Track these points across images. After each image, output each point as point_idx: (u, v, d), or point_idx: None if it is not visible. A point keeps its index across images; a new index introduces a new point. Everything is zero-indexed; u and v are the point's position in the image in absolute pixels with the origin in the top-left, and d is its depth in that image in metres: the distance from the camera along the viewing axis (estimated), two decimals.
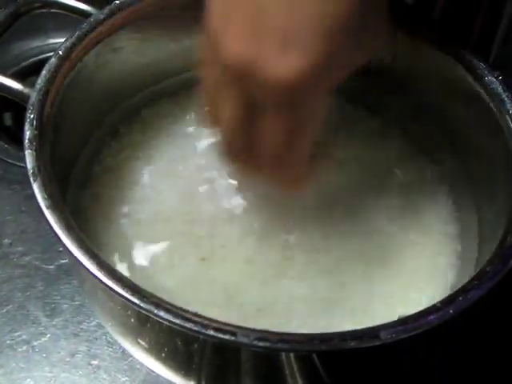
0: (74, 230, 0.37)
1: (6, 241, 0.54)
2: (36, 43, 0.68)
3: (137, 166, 0.50)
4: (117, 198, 0.48)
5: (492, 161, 0.46)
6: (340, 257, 0.46)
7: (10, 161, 0.60)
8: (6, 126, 0.64)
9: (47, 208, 0.37)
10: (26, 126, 0.41)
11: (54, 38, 0.68)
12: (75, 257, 0.36)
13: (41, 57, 0.68)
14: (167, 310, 0.34)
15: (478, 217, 0.47)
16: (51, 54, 0.44)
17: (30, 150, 0.40)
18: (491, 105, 0.44)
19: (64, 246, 0.36)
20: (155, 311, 0.34)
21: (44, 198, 0.38)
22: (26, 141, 0.40)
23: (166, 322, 0.34)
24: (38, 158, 0.39)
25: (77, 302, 0.51)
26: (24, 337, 0.50)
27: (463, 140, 0.49)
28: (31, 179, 0.39)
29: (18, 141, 0.61)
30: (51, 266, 0.53)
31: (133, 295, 0.34)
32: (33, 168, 0.39)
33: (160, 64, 0.52)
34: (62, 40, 0.44)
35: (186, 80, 0.53)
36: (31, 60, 0.68)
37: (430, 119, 0.51)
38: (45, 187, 0.38)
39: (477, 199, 0.48)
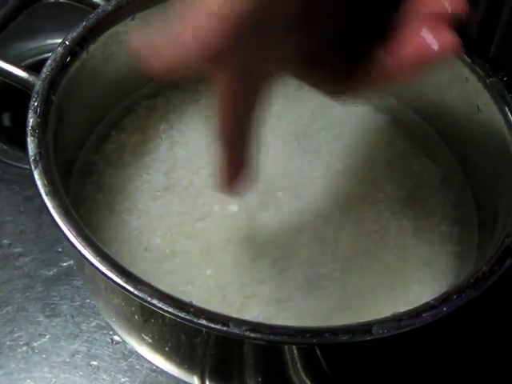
0: (73, 217, 0.37)
1: (5, 242, 0.55)
2: (34, 44, 0.69)
3: (140, 159, 0.50)
4: (119, 189, 0.48)
5: (494, 163, 0.46)
6: (343, 255, 0.46)
7: (8, 161, 0.60)
8: (5, 127, 0.64)
9: (46, 195, 0.38)
10: (30, 114, 0.41)
11: (52, 38, 0.69)
12: (73, 243, 0.37)
13: (39, 57, 0.68)
14: (161, 299, 0.35)
15: (477, 218, 0.48)
16: (49, 54, 0.44)
17: (32, 137, 0.40)
18: (495, 105, 0.44)
19: (62, 232, 0.37)
20: (148, 299, 0.34)
21: (44, 185, 0.39)
22: (29, 128, 0.41)
23: (158, 311, 0.35)
24: (40, 145, 0.40)
25: (76, 303, 0.51)
26: (24, 338, 0.50)
27: (465, 142, 0.50)
28: (32, 166, 0.39)
29: (17, 141, 0.63)
30: (51, 267, 0.53)
31: (127, 282, 0.35)
32: (34, 155, 0.40)
33: None
34: (60, 41, 0.44)
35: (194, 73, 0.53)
36: (29, 61, 0.69)
37: (432, 120, 0.52)
38: (45, 174, 0.39)
39: (477, 201, 0.49)
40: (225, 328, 0.34)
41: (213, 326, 0.34)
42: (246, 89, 0.36)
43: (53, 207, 0.37)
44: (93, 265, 0.36)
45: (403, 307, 0.38)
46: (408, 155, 0.51)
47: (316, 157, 0.50)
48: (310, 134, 0.51)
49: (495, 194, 0.45)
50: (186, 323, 0.34)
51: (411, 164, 0.51)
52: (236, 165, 0.39)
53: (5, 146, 0.62)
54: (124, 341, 0.49)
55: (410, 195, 0.49)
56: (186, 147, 0.50)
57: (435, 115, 0.51)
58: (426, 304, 0.36)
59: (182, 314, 0.34)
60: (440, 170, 0.51)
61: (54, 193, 0.38)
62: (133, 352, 0.49)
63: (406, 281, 0.46)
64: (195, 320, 0.34)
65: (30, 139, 0.40)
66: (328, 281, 0.45)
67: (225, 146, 0.38)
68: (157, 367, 0.47)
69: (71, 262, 0.53)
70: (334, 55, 0.38)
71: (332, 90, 0.39)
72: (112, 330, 0.49)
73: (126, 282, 0.35)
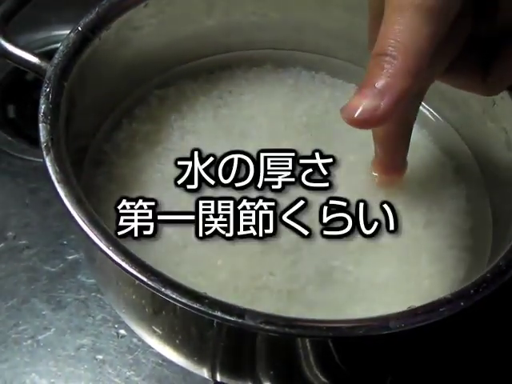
0: (85, 206, 0.36)
1: (10, 234, 0.54)
2: (39, 36, 0.69)
3: (151, 148, 0.49)
4: (130, 178, 0.48)
5: (508, 156, 0.46)
6: (355, 247, 0.45)
7: (13, 154, 0.60)
8: (10, 119, 0.64)
9: (58, 182, 0.37)
10: (42, 100, 0.40)
11: (57, 30, 0.68)
12: (85, 232, 0.35)
13: (44, 49, 0.67)
14: (174, 289, 0.34)
15: (491, 212, 0.47)
16: (55, 45, 0.43)
17: (43, 124, 0.39)
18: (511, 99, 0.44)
19: (74, 220, 0.36)
20: (162, 289, 0.34)
21: (56, 172, 0.38)
22: (41, 114, 0.40)
23: (172, 301, 0.34)
24: (52, 131, 0.39)
25: (82, 296, 0.51)
26: (29, 331, 0.50)
27: (480, 135, 0.49)
28: (44, 153, 0.38)
29: (21, 133, 0.63)
30: (56, 260, 0.53)
31: (140, 272, 0.34)
32: (46, 141, 0.39)
33: (180, 46, 0.52)
34: (66, 32, 0.44)
35: (206, 63, 0.53)
36: (35, 52, 0.67)
37: (446, 112, 0.51)
38: (57, 161, 0.38)
39: (490, 195, 0.48)
40: (240, 320, 0.34)
41: (228, 317, 0.34)
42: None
43: (65, 195, 0.36)
44: (106, 254, 0.35)
45: (415, 301, 0.37)
46: (420, 147, 0.51)
47: (328, 148, 0.49)
48: (323, 126, 0.51)
49: (509, 188, 0.45)
50: (201, 314, 0.34)
51: (424, 156, 0.50)
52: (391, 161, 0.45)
53: (9, 138, 0.61)
54: (130, 334, 0.48)
55: (422, 188, 0.49)
56: (198, 137, 0.49)
57: (449, 107, 0.50)
58: (443, 298, 0.36)
59: (197, 306, 0.34)
60: (453, 162, 0.51)
61: (65, 180, 0.37)
62: (138, 346, 0.49)
63: (419, 274, 0.45)
64: (210, 311, 0.34)
65: (41, 125, 0.39)
66: (340, 273, 0.44)
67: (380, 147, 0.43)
68: (163, 361, 0.47)
69: (77, 255, 0.53)
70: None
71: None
72: (118, 323, 0.49)
73: (139, 272, 0.34)
